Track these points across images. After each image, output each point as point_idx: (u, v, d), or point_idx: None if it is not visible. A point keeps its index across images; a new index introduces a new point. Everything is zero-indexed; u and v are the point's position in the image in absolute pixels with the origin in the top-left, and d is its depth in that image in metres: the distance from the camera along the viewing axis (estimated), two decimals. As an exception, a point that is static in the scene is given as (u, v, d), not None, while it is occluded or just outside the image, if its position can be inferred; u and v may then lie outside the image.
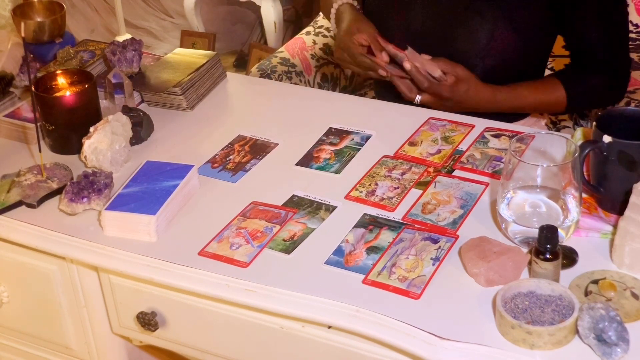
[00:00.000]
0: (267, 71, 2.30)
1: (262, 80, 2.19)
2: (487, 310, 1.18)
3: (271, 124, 1.66)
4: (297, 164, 1.53)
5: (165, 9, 4.16)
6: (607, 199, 1.33)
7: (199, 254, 1.32)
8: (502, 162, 1.48)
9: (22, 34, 1.58)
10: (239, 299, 1.27)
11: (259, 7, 3.69)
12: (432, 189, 1.43)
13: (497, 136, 1.57)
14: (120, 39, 1.94)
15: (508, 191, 1.27)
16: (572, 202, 1.24)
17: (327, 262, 1.29)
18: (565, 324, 1.10)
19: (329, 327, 1.25)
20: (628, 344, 1.09)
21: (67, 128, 1.57)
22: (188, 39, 3.88)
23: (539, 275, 1.18)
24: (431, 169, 1.49)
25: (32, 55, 1.83)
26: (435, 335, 1.15)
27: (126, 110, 1.61)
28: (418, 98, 1.71)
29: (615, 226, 1.27)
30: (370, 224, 1.36)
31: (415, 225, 1.35)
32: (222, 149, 1.58)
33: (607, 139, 1.27)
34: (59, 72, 1.64)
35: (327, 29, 2.54)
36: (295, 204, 1.42)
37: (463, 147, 1.54)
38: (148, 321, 1.38)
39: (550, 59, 2.01)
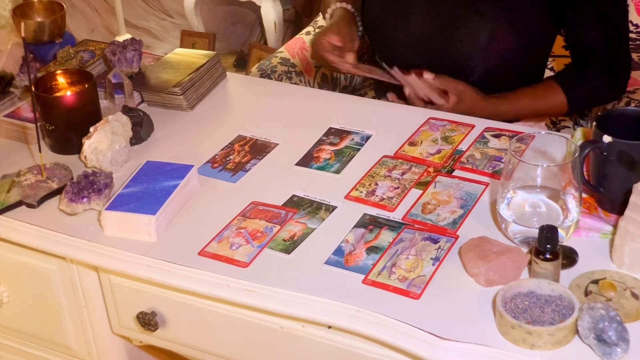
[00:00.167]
0: (267, 71, 2.30)
1: (262, 80, 2.19)
2: (487, 310, 1.18)
3: (271, 124, 1.66)
4: (297, 164, 1.53)
5: (165, 9, 4.16)
6: (607, 199, 1.33)
7: (199, 254, 1.32)
8: (502, 162, 1.48)
9: (22, 34, 1.58)
10: (239, 299, 1.27)
11: (259, 7, 3.69)
12: (432, 189, 1.43)
13: (497, 136, 1.57)
14: (120, 39, 1.94)
15: (508, 191, 1.27)
16: (572, 202, 1.24)
17: (327, 262, 1.29)
18: (565, 324, 1.10)
19: (329, 327, 1.25)
20: (628, 344, 1.09)
21: (67, 128, 1.57)
22: (188, 39, 3.88)
23: (539, 275, 1.18)
24: (431, 169, 1.49)
25: (32, 55, 1.83)
26: (435, 335, 1.15)
27: (126, 110, 1.61)
28: None
29: (615, 226, 1.27)
30: (370, 224, 1.36)
31: (415, 225, 1.35)
32: (222, 149, 1.58)
33: (607, 139, 1.27)
34: (59, 72, 1.64)
35: (327, 29, 2.54)
36: (295, 204, 1.42)
37: (463, 147, 1.54)
38: (148, 321, 1.38)
39: (550, 59, 2.02)
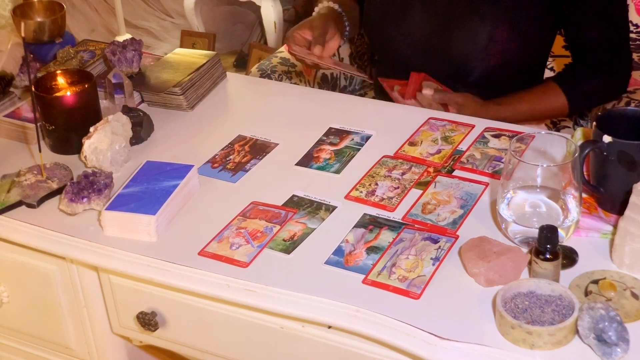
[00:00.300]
0: (267, 71, 2.30)
1: (262, 80, 2.19)
2: (487, 310, 1.18)
3: (271, 124, 1.66)
4: (297, 164, 1.53)
5: (165, 9, 4.16)
6: (607, 199, 1.33)
7: (199, 254, 1.32)
8: (502, 162, 1.48)
9: (22, 34, 1.58)
10: (239, 299, 1.27)
11: (259, 7, 3.69)
12: (432, 189, 1.43)
13: (497, 136, 1.57)
14: (120, 39, 1.94)
15: (508, 191, 1.27)
16: (572, 202, 1.24)
17: (327, 262, 1.29)
18: (565, 324, 1.10)
19: (329, 327, 1.25)
20: (628, 344, 1.09)
21: (67, 128, 1.57)
22: (188, 39, 3.88)
23: (539, 275, 1.18)
24: (431, 169, 1.49)
25: (32, 55, 1.83)
26: (435, 335, 1.14)
27: (126, 110, 1.61)
28: None
29: (615, 226, 1.27)
30: (370, 224, 1.36)
31: (415, 225, 1.35)
32: (222, 149, 1.58)
33: (607, 139, 1.27)
34: (59, 72, 1.64)
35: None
36: (295, 204, 1.42)
37: (463, 147, 1.54)
38: (148, 321, 1.38)
39: (550, 59, 2.02)
